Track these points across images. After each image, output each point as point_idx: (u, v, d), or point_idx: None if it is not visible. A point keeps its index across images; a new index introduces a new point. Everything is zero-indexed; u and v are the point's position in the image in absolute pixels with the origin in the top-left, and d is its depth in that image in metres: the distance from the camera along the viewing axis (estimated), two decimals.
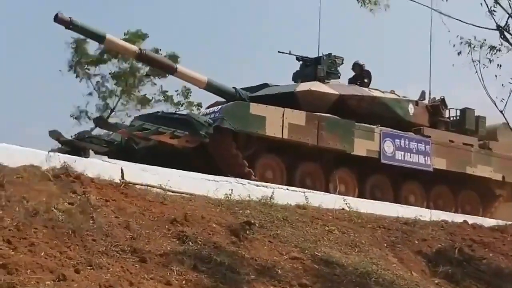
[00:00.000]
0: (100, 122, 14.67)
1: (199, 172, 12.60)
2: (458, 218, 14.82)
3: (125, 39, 28.91)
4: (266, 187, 13.10)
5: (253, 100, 15.93)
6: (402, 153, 16.69)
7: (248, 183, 13.15)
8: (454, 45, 10.39)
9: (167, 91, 30.10)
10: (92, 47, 28.70)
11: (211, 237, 9.58)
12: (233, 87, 16.73)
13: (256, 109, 14.94)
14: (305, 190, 13.85)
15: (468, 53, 10.03)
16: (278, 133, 15.03)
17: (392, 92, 17.93)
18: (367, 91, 17.39)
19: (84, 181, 9.99)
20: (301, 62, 17.70)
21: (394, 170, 16.78)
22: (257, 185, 13.15)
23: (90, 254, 8.01)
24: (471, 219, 14.88)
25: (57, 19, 14.36)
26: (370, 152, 16.27)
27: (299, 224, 11.25)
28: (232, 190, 11.95)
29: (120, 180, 10.76)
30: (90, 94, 30.24)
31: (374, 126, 16.50)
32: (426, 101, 18.61)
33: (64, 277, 7.17)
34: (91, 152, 15.47)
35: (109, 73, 30.24)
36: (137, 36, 29.35)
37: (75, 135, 16.33)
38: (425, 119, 18.11)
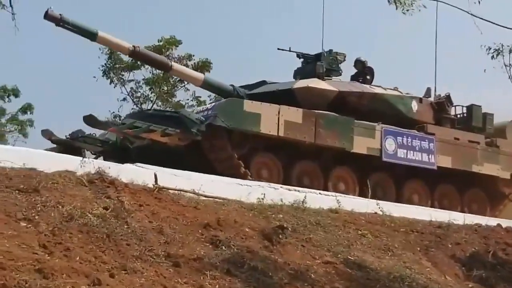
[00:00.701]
0: (90, 120, 14.52)
1: (193, 170, 12.39)
2: (492, 221, 14.68)
3: (159, 46, 29.26)
4: (299, 191, 13.11)
5: (251, 97, 15.73)
6: (405, 151, 16.40)
7: (281, 187, 13.17)
8: (487, 49, 10.32)
9: (200, 97, 30.26)
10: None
11: (244, 241, 9.61)
12: (231, 85, 16.50)
13: (250, 106, 14.72)
14: (337, 194, 13.79)
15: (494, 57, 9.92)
16: (273, 131, 14.79)
17: (395, 89, 17.62)
18: (368, 87, 17.11)
19: (118, 186, 10.08)
20: (302, 60, 17.47)
21: (396, 169, 16.51)
22: (289, 189, 13.17)
23: (125, 259, 8.08)
24: (505, 223, 14.72)
25: (47, 16, 14.06)
26: (371, 150, 15.98)
27: (331, 228, 11.23)
28: (264, 194, 11.95)
29: (153, 185, 10.83)
30: (124, 99, 30.52)
31: (375, 124, 16.22)
32: (431, 98, 18.28)
33: (99, 282, 7.23)
34: (88, 152, 15.47)
35: (143, 79, 30.49)
36: (170, 43, 29.55)
37: (68, 134, 16.21)
38: (430, 116, 17.79)
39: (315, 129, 15.27)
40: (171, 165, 12.27)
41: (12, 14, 5.64)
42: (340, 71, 17.49)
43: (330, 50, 17.39)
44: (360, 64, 17.90)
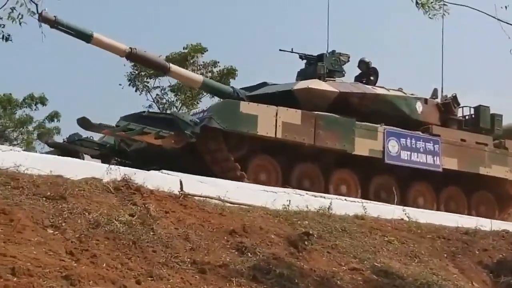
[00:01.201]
0: (83, 122, 14.35)
1: (190, 173, 12.14)
2: None
3: (185, 53, 29.38)
4: (324, 197, 13.07)
5: (251, 99, 15.53)
6: (408, 152, 16.10)
7: (306, 193, 13.11)
8: None
9: None
10: None
11: (270, 248, 9.60)
12: (231, 87, 16.37)
13: (246, 107, 14.49)
14: (363, 200, 13.72)
15: None
16: (271, 133, 14.53)
17: (400, 90, 17.32)
18: (370, 88, 16.82)
19: (144, 193, 10.12)
20: (305, 61, 17.24)
21: (400, 171, 16.20)
22: (315, 196, 13.11)
23: (151, 266, 8.10)
24: None
25: (41, 17, 13.28)
26: (373, 152, 15.69)
27: (357, 235, 11.20)
28: (289, 200, 11.94)
29: (179, 191, 10.87)
30: (150, 106, 30.67)
31: (378, 125, 15.95)
32: (438, 99, 17.95)
33: None
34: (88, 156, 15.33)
35: (168, 86, 30.63)
36: (196, 50, 29.67)
37: (66, 138, 16.12)
38: (435, 118, 17.50)
39: (315, 131, 15.04)
40: (167, 168, 12.07)
41: (39, 22, 5.69)
42: (344, 72, 17.22)
43: (333, 51, 17.15)
44: (364, 64, 17.64)
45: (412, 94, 17.44)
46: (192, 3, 45.04)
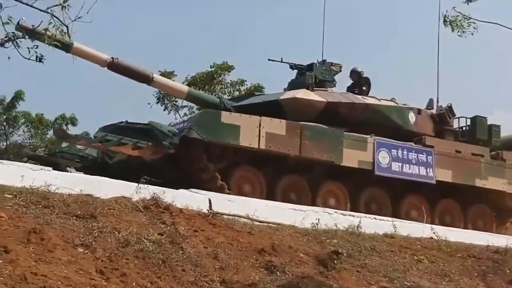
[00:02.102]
0: (60, 133, 13.81)
1: (171, 184, 11.94)
2: None
3: (211, 72, 29.48)
4: (353, 216, 13.01)
5: (238, 109, 15.17)
6: (400, 164, 15.70)
7: (335, 212, 13.07)
8: None
9: None
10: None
11: (299, 267, 9.58)
12: (218, 97, 16.07)
13: (228, 117, 14.16)
14: (393, 219, 13.62)
15: None
16: (254, 143, 14.19)
17: (392, 100, 16.90)
18: (360, 98, 16.38)
19: (173, 211, 10.16)
20: (296, 70, 16.83)
21: (392, 183, 15.77)
22: (344, 214, 13.08)
23: (180, 284, 8.13)
24: None
25: (19, 26, 13.12)
26: (362, 164, 15.29)
27: (387, 254, 11.13)
28: (318, 219, 11.92)
29: (208, 210, 10.88)
30: None
31: (367, 136, 15.54)
32: (434, 110, 17.57)
33: None
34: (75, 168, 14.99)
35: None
36: (222, 68, 29.75)
37: (46, 150, 15.88)
38: (429, 128, 17.10)
39: (300, 141, 14.67)
40: (149, 179, 11.80)
41: (71, 43, 5.78)
42: (334, 82, 16.80)
43: (324, 60, 16.85)
44: (356, 74, 17.26)
45: (404, 104, 17.01)
46: (218, 21, 45.09)
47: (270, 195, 14.30)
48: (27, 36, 6.24)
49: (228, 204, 11.51)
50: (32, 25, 12.85)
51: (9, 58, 6.34)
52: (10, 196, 9.25)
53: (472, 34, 9.32)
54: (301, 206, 12.90)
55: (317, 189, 15.10)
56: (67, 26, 5.87)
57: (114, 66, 14.90)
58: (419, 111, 17.06)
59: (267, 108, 15.06)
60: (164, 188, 11.20)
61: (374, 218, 13.42)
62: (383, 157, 15.48)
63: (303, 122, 14.91)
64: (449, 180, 16.27)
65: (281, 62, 16.41)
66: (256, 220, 11.20)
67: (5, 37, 5.85)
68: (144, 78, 15.47)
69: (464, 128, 17.83)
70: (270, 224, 11.27)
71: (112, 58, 14.70)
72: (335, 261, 10.00)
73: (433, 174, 16.01)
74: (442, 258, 11.71)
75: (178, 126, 14.35)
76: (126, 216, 9.55)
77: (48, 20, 5.85)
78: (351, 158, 15.16)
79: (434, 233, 12.87)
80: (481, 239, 13.47)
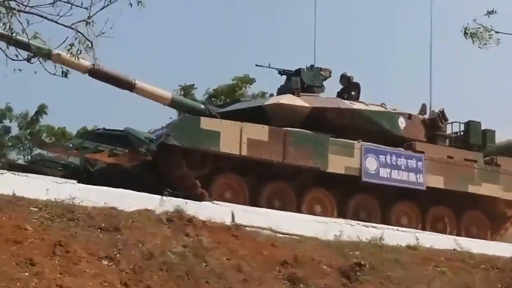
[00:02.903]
0: (36, 141, 13.39)
1: (153, 192, 11.47)
2: None
3: (233, 84, 29.50)
4: (375, 227, 12.96)
5: (222, 116, 14.85)
6: (388, 170, 15.15)
7: (357, 224, 13.02)
8: None
9: None
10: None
11: (322, 279, 9.60)
12: (203, 103, 15.53)
13: (208, 123, 13.75)
14: (416, 230, 13.55)
15: None
16: (235, 150, 13.76)
17: (382, 105, 16.45)
18: (347, 103, 15.84)
19: (196, 224, 10.22)
20: (286, 76, 16.32)
21: (382, 189, 15.28)
22: (366, 226, 13.02)
23: None
24: None
25: None
26: (349, 170, 14.75)
27: (410, 265, 11.10)
28: (341, 231, 11.90)
29: (231, 222, 10.93)
30: None
31: (354, 141, 15.03)
32: (427, 115, 17.04)
33: None
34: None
35: None
36: (244, 81, 29.79)
37: (28, 159, 15.55)
38: (420, 134, 16.46)
39: (284, 148, 14.18)
40: (130, 187, 11.43)
41: (95, 59, 5.88)
42: (323, 87, 16.34)
43: (312, 65, 16.36)
44: (345, 79, 16.74)
45: (394, 109, 16.50)
46: (239, 33, 45.09)
47: (253, 202, 13.82)
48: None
49: (251, 216, 11.53)
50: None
51: (35, 72, 6.44)
52: (36, 209, 9.35)
53: (496, 45, 9.30)
54: (324, 218, 12.89)
55: (302, 196, 14.64)
56: (91, 42, 5.95)
57: (95, 73, 14.27)
58: (409, 116, 16.53)
59: (251, 114, 14.70)
60: (187, 200, 11.25)
61: (397, 229, 13.33)
62: (371, 163, 15.02)
63: (287, 128, 14.49)
64: (441, 186, 15.74)
65: (269, 67, 16.05)
66: (279, 232, 11.22)
67: (31, 52, 5.95)
68: (126, 85, 14.87)
69: (458, 134, 17.39)
70: (292, 236, 11.29)
71: (93, 65, 13.50)
72: (358, 273, 10.00)
73: (423, 180, 15.51)
74: (465, 270, 11.65)
75: (157, 132, 13.97)
76: (150, 229, 9.61)
77: (73, 36, 5.93)
78: (337, 164, 14.69)
79: (457, 244, 12.82)
80: (505, 251, 13.37)
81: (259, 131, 14.08)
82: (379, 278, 10.13)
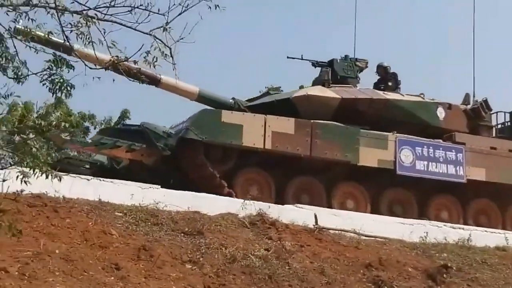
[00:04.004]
0: (55, 139, 13.30)
1: (176, 188, 11.34)
2: None
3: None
4: (463, 229, 12.71)
5: (250, 109, 14.47)
6: (425, 162, 14.57)
7: (444, 225, 12.80)
8: None
9: None
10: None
11: (407, 281, 9.46)
12: (232, 98, 15.01)
13: (229, 117, 13.37)
14: (505, 231, 13.21)
15: None
16: (259, 143, 13.33)
17: (421, 95, 15.84)
18: (380, 94, 15.36)
19: (279, 227, 10.22)
20: (319, 68, 15.84)
21: (418, 183, 14.66)
22: (453, 227, 12.79)
23: None
24: None
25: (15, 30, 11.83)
26: (382, 163, 14.22)
27: (499, 267, 10.84)
28: (427, 232, 11.71)
29: (314, 225, 10.88)
30: None
31: (388, 133, 14.54)
32: (470, 105, 16.32)
33: None
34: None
35: None
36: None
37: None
38: (461, 124, 15.84)
39: (311, 141, 13.76)
40: (151, 183, 11.22)
41: (173, 64, 5.90)
42: (358, 78, 15.85)
43: (346, 56, 15.94)
44: (382, 69, 16.38)
45: (432, 99, 15.95)
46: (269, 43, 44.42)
47: (280, 198, 13.59)
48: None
49: (334, 218, 11.47)
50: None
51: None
52: (121, 214, 9.52)
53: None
54: (409, 220, 12.69)
55: (332, 191, 14.25)
56: (170, 48, 6.00)
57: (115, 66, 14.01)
58: (449, 106, 15.91)
59: (280, 107, 14.39)
60: (269, 204, 11.26)
61: (485, 230, 13.04)
62: (406, 156, 14.48)
63: (314, 120, 14.07)
64: (482, 179, 15.06)
65: (301, 59, 15.61)
66: (362, 235, 11.12)
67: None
68: (152, 80, 14.02)
69: (505, 124, 16.80)
70: (377, 239, 11.17)
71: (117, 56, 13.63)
72: (445, 275, 9.82)
73: (464, 172, 14.90)
74: None
75: (178, 127, 13.80)
76: (232, 232, 9.67)
77: (151, 43, 5.99)
78: (369, 157, 14.20)
79: None
80: None
81: (285, 124, 13.69)
82: (466, 280, 9.92)
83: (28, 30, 5.88)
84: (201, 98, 14.80)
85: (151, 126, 13.61)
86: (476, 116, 16.16)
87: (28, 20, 5.78)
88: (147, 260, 8.18)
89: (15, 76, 5.90)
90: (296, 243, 9.83)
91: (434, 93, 16.33)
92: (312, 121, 13.98)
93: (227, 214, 10.39)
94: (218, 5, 6.07)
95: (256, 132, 13.38)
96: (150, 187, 10.87)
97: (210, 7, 5.98)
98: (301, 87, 15.35)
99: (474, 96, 16.63)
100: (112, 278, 7.59)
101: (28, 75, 5.94)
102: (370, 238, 11.11)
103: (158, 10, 5.98)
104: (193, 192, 11.28)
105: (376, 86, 16.17)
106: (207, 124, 13.24)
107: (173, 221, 9.63)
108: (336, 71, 15.55)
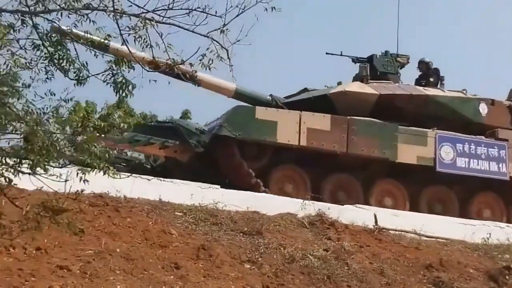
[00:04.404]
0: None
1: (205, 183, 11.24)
2: None
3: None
4: None
5: (288, 106, 14.26)
6: (466, 159, 14.26)
7: (507, 226, 12.59)
8: None
9: None
10: None
11: (468, 283, 9.34)
12: (270, 94, 14.84)
13: (263, 113, 13.25)
14: None
15: None
16: (293, 140, 13.18)
17: (463, 91, 15.41)
18: (420, 90, 15.04)
19: (338, 227, 10.19)
20: (360, 64, 15.53)
21: (459, 180, 14.37)
22: None
23: None
24: None
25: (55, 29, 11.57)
26: (422, 160, 13.93)
27: None
28: (490, 233, 11.53)
29: (373, 225, 10.82)
30: None
31: (428, 130, 14.24)
32: None
33: None
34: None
35: None
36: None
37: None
38: (505, 121, 15.40)
39: (348, 137, 13.57)
40: (184, 179, 11.23)
41: (230, 65, 5.93)
42: (398, 74, 15.61)
43: (386, 52, 15.72)
44: (423, 65, 16.06)
45: (475, 95, 15.56)
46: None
47: (316, 195, 13.25)
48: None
49: (394, 219, 11.38)
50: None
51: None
52: (181, 214, 9.61)
53: None
54: (471, 221, 12.52)
55: (370, 188, 14.04)
56: (227, 50, 6.03)
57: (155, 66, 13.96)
58: (492, 102, 15.50)
59: (317, 103, 14.21)
60: (329, 204, 11.25)
61: None
62: (446, 152, 14.17)
63: (351, 116, 13.89)
64: None
65: (341, 55, 15.39)
66: (423, 235, 11.00)
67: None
68: (190, 78, 14.50)
69: None
70: (438, 239, 11.04)
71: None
72: (507, 277, 9.67)
73: (507, 169, 14.50)
74: None
75: (212, 124, 13.75)
76: (291, 232, 9.68)
77: (208, 45, 6.03)
78: (408, 154, 13.95)
79: None
80: None
81: (320, 120, 13.54)
82: None
83: (70, 30, 5.96)
84: (238, 95, 14.73)
85: (183, 122, 13.77)
86: None
87: (89, 22, 5.85)
88: (206, 259, 8.26)
89: (77, 78, 6.00)
90: (356, 243, 9.80)
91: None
92: (348, 117, 13.84)
93: (286, 214, 10.41)
94: (274, 7, 6.07)
95: (291, 129, 13.28)
96: (209, 187, 10.96)
97: (266, 9, 5.99)
98: (339, 83, 15.16)
99: None
100: (172, 277, 7.68)
101: (89, 77, 6.02)
102: (431, 238, 10.99)
103: (216, 12, 6.01)
104: (252, 192, 11.32)
105: (418, 82, 15.96)
106: (240, 121, 13.20)
107: (232, 221, 9.69)
108: (375, 67, 15.42)
